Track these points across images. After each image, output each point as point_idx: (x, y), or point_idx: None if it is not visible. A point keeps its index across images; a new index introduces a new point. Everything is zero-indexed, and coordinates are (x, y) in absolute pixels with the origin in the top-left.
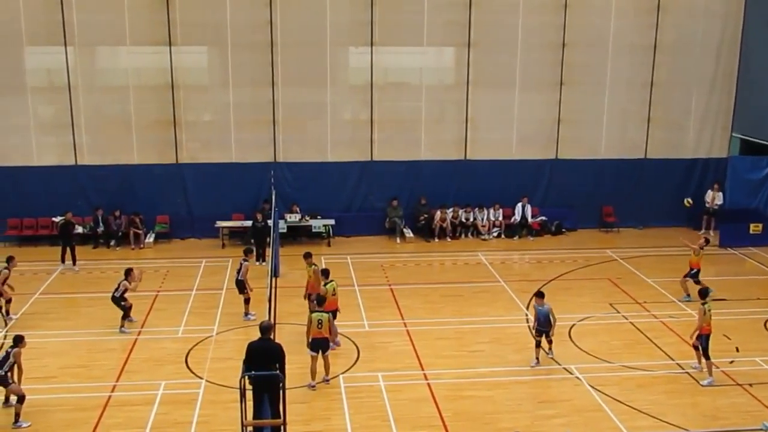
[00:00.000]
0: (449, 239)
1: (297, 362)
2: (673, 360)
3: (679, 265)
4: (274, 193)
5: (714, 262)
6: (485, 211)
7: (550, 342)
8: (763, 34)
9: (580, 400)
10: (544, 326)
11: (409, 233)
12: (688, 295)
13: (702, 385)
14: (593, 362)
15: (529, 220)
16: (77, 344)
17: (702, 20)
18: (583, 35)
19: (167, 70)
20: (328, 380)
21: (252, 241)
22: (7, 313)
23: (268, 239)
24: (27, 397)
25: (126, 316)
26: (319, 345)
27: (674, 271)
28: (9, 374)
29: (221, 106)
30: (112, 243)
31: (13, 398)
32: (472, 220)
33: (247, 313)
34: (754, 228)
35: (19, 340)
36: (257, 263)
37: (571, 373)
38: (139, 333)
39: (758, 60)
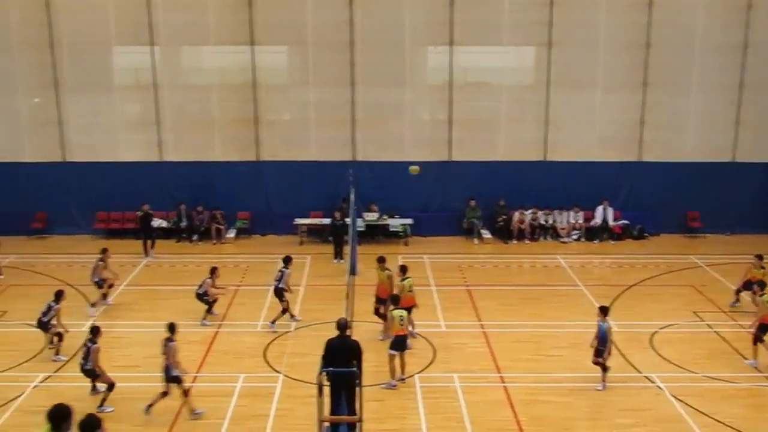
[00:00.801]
0: (527, 241)
1: (373, 360)
2: (761, 373)
3: None
4: (352, 191)
5: None
6: (565, 214)
7: (603, 368)
8: None
9: (661, 410)
10: (601, 345)
11: (487, 234)
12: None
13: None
14: (675, 371)
15: (610, 223)
16: (160, 335)
17: None
18: (669, 34)
19: (248, 69)
20: (403, 379)
21: (330, 239)
22: (105, 296)
23: (346, 237)
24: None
25: (209, 310)
26: (402, 342)
27: None
28: (95, 367)
29: (301, 104)
30: (195, 237)
31: (102, 386)
32: (551, 222)
33: (273, 322)
34: None
35: (96, 332)
36: (335, 261)
37: (652, 382)
38: (220, 326)
39: None
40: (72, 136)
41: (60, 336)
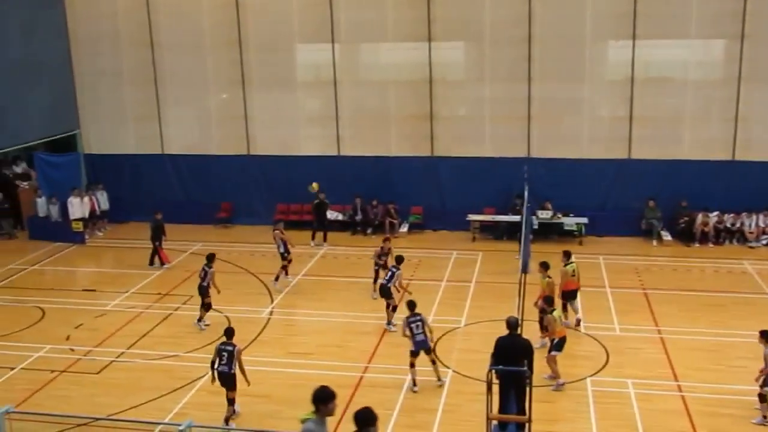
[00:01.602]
0: (711, 245)
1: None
2: None
3: None
4: (526, 188)
5: None
6: (754, 217)
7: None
8: None
9: None
10: None
11: (667, 236)
12: None
13: None
14: None
15: None
16: (334, 325)
17: None
18: None
19: (425, 65)
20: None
21: (504, 237)
22: (276, 278)
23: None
24: (287, 371)
25: (394, 308)
26: (565, 343)
27: None
28: (235, 372)
29: (476, 100)
30: (369, 231)
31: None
32: (738, 225)
33: (389, 323)
34: None
35: (231, 334)
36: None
37: None
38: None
39: None
40: (256, 130)
41: (208, 306)
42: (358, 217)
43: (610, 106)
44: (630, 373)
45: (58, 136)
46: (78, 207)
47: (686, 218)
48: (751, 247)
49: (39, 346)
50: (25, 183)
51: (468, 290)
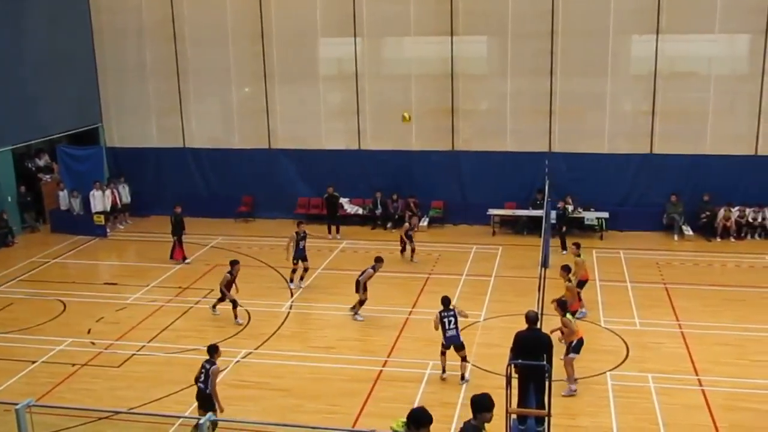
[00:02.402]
0: (733, 239)
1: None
2: None
3: None
4: (547, 183)
5: None
6: None
7: None
8: None
9: None
10: None
11: (688, 231)
12: None
13: None
14: None
15: None
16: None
17: None
18: None
19: (448, 59)
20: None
21: (524, 232)
22: (291, 280)
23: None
24: (308, 365)
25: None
26: (583, 344)
27: None
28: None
29: (498, 95)
30: (389, 225)
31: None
32: (760, 220)
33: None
34: None
35: (213, 352)
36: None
37: None
38: (410, 313)
39: None
40: (278, 124)
41: (234, 303)
42: (378, 212)
43: (633, 100)
44: (651, 368)
45: (81, 129)
46: (100, 200)
47: (708, 213)
48: None
49: (60, 340)
50: (47, 176)
51: (488, 284)
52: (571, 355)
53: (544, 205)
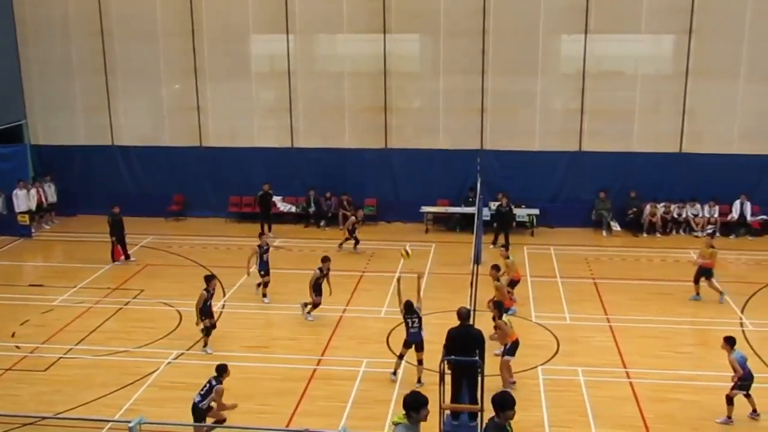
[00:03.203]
0: (659, 235)
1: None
2: None
3: None
4: (479, 180)
5: None
6: (699, 208)
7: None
8: None
9: None
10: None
11: (616, 227)
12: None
13: None
14: None
15: (749, 218)
16: (287, 318)
17: None
18: None
19: (381, 57)
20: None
21: (457, 229)
22: (264, 296)
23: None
24: (242, 365)
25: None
26: (518, 346)
27: None
28: (209, 408)
29: (431, 93)
30: (322, 223)
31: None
32: (684, 216)
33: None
34: None
35: (222, 372)
36: (492, 247)
37: None
38: (344, 311)
39: None
40: (210, 121)
41: (208, 329)
42: (312, 210)
43: (562, 99)
44: (580, 361)
45: (4, 126)
46: (24, 199)
47: (635, 209)
48: (697, 237)
49: None
50: None
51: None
52: (506, 357)
53: (476, 203)
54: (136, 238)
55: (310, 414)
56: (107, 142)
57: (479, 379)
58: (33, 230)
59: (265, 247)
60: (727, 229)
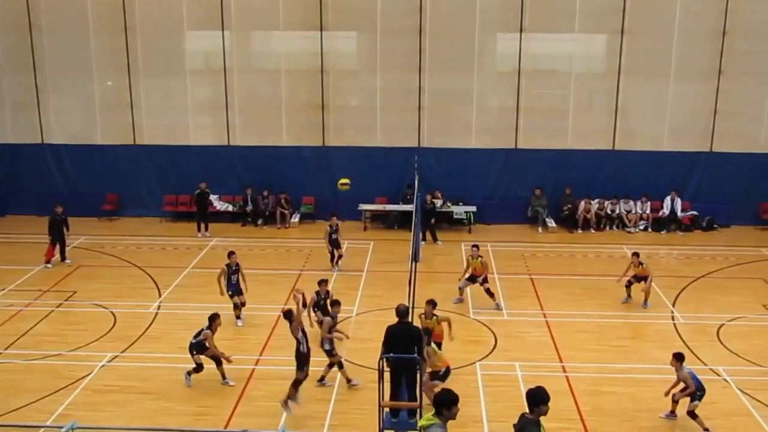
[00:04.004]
0: (593, 231)
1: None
2: None
3: None
4: (417, 178)
5: None
6: (632, 204)
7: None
8: None
9: (727, 404)
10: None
11: (551, 223)
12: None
13: None
14: (743, 365)
15: (679, 214)
16: (224, 318)
17: None
18: (747, 22)
19: (317, 54)
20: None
21: (396, 226)
22: (238, 317)
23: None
24: (177, 366)
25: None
26: (450, 373)
27: None
28: (206, 348)
29: (368, 90)
30: (260, 222)
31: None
32: (618, 212)
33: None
34: None
35: (212, 319)
36: (423, 242)
37: (718, 375)
38: (282, 310)
39: None
40: (143, 119)
41: (199, 367)
42: (249, 208)
43: (498, 97)
44: (517, 356)
45: None
46: None
47: (570, 206)
48: (629, 233)
49: None
50: None
51: (360, 280)
52: (436, 381)
53: (414, 200)
54: (67, 239)
55: (249, 414)
56: (37, 140)
57: (418, 376)
58: None
59: (234, 267)
60: (658, 224)
